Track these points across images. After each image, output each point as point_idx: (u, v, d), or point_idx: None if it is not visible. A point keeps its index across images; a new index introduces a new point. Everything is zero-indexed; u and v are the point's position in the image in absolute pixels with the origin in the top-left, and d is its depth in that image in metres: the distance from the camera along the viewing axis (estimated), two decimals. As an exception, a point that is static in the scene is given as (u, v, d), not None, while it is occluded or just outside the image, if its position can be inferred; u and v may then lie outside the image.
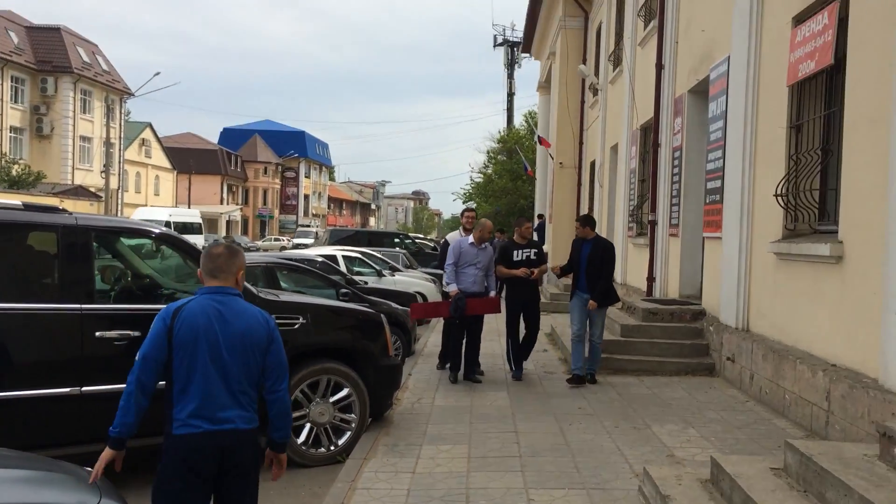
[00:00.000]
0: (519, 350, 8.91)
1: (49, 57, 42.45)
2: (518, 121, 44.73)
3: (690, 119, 11.26)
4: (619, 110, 16.19)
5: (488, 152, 42.70)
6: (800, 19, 7.19)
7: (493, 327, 11.69)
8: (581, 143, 23.07)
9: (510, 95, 47.53)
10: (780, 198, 7.26)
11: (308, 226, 71.04)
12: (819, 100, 7.07)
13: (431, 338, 12.19)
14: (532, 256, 8.79)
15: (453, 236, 9.32)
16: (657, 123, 12.58)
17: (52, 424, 4.94)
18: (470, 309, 8.44)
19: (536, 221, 23.57)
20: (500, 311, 8.86)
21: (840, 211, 6.30)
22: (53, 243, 5.09)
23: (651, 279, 12.27)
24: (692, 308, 9.92)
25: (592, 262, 8.47)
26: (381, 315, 6.83)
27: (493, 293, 8.81)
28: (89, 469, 3.64)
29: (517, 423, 6.75)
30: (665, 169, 12.21)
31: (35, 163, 40.08)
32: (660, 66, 12.38)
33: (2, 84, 39.34)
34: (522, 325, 8.90)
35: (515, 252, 8.84)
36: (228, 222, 67.96)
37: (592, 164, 20.89)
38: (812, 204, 6.97)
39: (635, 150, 14.77)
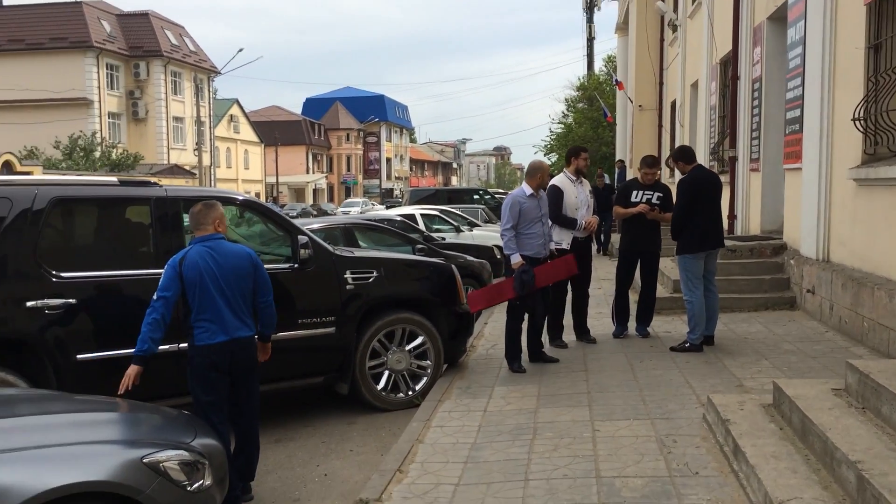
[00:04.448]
0: (624, 305, 7.91)
1: (140, 42, 44.22)
2: (598, 66, 43.67)
3: (769, 48, 10.91)
4: (699, 45, 15.73)
5: (567, 101, 41.99)
6: (873, -68, 6.86)
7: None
8: (661, 83, 22.51)
9: (590, 40, 46.17)
10: (857, 122, 7.02)
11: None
12: (896, 16, 6.76)
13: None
14: (654, 201, 7.57)
15: (558, 181, 7.57)
16: (736, 55, 12.24)
17: (154, 378, 5.43)
18: (541, 280, 6.77)
19: (616, 169, 23.21)
20: (575, 272, 7.24)
21: (916, 131, 6.08)
22: (147, 215, 5.55)
23: (732, 217, 12.06)
24: (773, 243, 9.73)
25: None
26: (452, 266, 7.08)
27: (564, 244, 7.26)
28: (186, 412, 4.10)
29: (588, 363, 6.90)
30: (745, 102, 11.90)
31: (133, 145, 42.12)
32: (737, -5, 11.98)
33: (98, 72, 41.39)
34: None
35: (635, 192, 7.66)
36: (315, 191, 69.66)
37: (673, 105, 20.38)
38: (892, 126, 6.73)
39: (715, 86, 14.38)
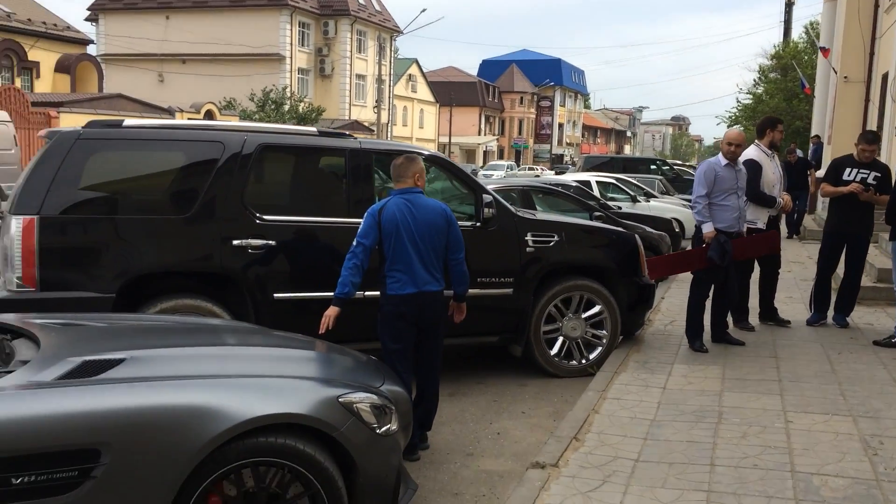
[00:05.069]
0: (825, 291, 7.34)
1: (329, 1, 46.12)
2: (797, 33, 40.40)
3: None
4: (922, 11, 14.08)
5: (760, 69, 39.24)
6: None
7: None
8: (871, 53, 20.43)
9: (788, 5, 42.73)
10: None
11: None
12: None
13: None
14: (870, 181, 6.86)
15: (755, 154, 7.01)
16: (969, 23, 10.81)
17: (342, 323, 5.65)
18: (739, 252, 6.45)
19: (811, 145, 21.47)
20: (778, 250, 7.16)
21: None
22: (342, 165, 5.75)
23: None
24: None
25: None
26: (636, 235, 6.83)
27: (760, 223, 6.92)
28: (374, 357, 4.24)
29: (778, 349, 6.46)
30: (976, 76, 10.52)
31: (318, 100, 44.23)
32: (976, -46, 10.54)
33: (291, 29, 43.70)
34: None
35: (849, 170, 6.97)
36: (485, 152, 70.09)
37: (884, 77, 18.44)
38: None
39: (939, 57, 12.83)
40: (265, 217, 5.41)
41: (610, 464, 4.11)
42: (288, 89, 40.75)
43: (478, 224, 5.94)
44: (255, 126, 5.92)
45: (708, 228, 6.35)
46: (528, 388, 6.02)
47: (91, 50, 41.86)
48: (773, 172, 7.01)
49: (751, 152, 7.00)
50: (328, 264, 5.58)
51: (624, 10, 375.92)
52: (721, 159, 6.49)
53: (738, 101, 40.22)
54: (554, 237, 6.24)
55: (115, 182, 5.39)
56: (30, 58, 35.73)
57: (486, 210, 5.90)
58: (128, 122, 5.45)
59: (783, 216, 7.52)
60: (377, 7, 50.72)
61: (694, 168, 37.46)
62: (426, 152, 6.47)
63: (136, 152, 5.43)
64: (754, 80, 39.73)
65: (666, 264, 6.99)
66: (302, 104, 39.77)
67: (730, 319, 6.97)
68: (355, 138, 5.99)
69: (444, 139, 60.93)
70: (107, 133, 5.30)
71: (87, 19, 46.92)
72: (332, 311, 4.48)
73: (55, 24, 38.04)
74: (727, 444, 4.34)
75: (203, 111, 29.38)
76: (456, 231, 4.64)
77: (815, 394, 5.20)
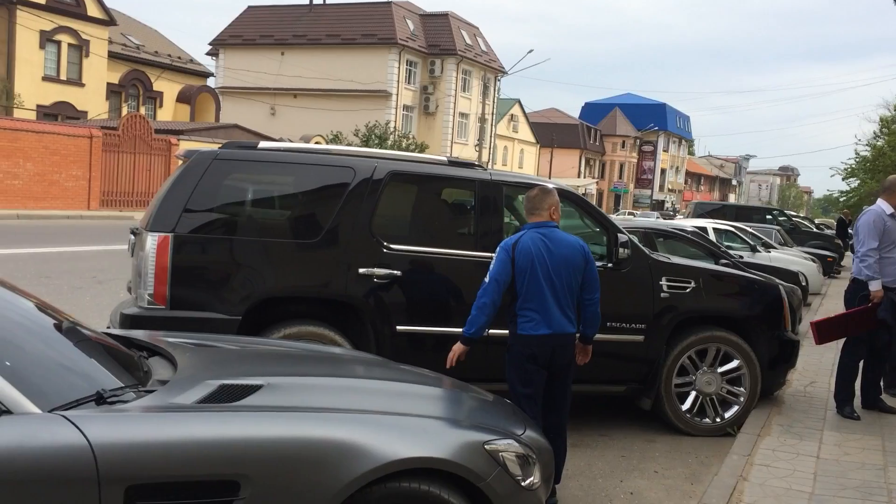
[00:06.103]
0: None
1: (437, 41, 47.00)
2: (922, 83, 38.11)
3: None
4: None
5: (882, 120, 37.21)
6: None
7: None
8: None
9: (911, 55, 40.52)
10: None
11: None
12: None
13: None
14: None
15: None
16: None
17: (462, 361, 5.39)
18: None
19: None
20: None
21: None
22: (471, 196, 5.55)
23: None
24: None
25: None
26: (780, 286, 6.32)
27: None
28: (508, 401, 3.95)
29: (943, 421, 5.80)
30: None
31: (420, 137, 44.91)
32: None
33: (399, 67, 44.70)
34: None
35: None
36: (584, 195, 69.35)
37: None
38: None
39: None
40: (392, 246, 5.23)
41: (772, 541, 3.66)
42: (391, 124, 41.52)
43: (609, 265, 5.58)
44: (386, 153, 5.78)
45: (876, 286, 5.79)
46: (658, 444, 5.58)
47: (210, 82, 44.08)
48: None
49: None
50: (452, 298, 5.36)
51: (732, 58, 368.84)
52: (886, 207, 5.94)
53: (856, 153, 38.18)
54: (690, 283, 5.82)
55: (248, 203, 5.38)
56: (155, 88, 37.88)
57: (620, 250, 5.54)
58: (263, 144, 5.43)
59: None
60: (483, 47, 51.30)
61: (810, 220, 35.57)
62: (552, 185, 6.20)
63: (269, 175, 5.39)
64: (874, 132, 37.71)
65: (835, 328, 6.19)
66: (405, 140, 40.44)
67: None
68: (485, 169, 5.78)
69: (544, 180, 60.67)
70: (242, 154, 5.27)
71: (208, 53, 49.49)
72: (458, 348, 4.26)
73: (179, 57, 40.28)
74: (908, 529, 3.82)
75: (311, 143, 30.25)
76: (593, 269, 4.33)
77: None
